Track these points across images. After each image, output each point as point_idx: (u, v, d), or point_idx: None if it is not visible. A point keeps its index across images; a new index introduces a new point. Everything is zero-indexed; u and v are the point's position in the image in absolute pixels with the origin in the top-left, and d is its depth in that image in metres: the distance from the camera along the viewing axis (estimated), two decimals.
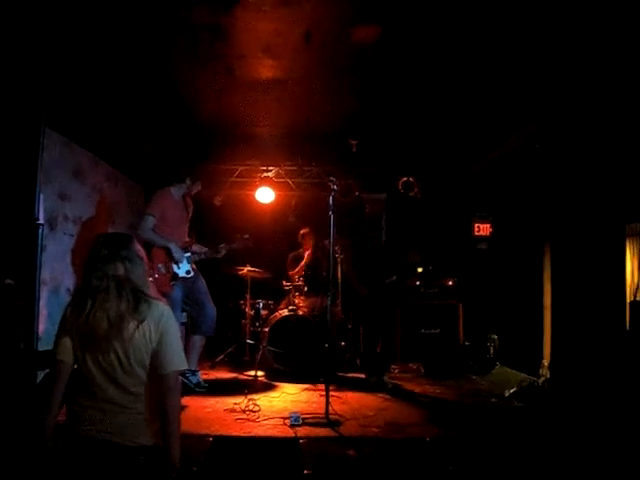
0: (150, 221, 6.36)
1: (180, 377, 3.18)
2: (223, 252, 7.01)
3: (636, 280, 6.76)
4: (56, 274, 6.54)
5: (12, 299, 4.93)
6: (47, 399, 2.87)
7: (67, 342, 2.87)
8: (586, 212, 6.61)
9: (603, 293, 6.42)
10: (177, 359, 2.92)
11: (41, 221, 5.75)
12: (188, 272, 6.57)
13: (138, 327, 2.82)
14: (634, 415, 5.25)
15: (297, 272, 9.09)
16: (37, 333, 5.60)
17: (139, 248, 3.10)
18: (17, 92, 5.51)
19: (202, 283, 6.83)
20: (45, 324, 5.84)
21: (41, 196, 5.76)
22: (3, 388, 4.39)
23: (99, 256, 2.93)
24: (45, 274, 6.07)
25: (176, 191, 6.72)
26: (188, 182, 6.78)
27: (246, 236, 7.21)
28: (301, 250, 9.59)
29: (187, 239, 6.83)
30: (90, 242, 3.06)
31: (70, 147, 6.90)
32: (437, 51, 5.65)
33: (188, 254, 6.61)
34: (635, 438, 4.82)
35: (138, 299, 2.88)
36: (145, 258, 3.14)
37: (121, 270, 2.91)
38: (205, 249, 6.90)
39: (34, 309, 5.54)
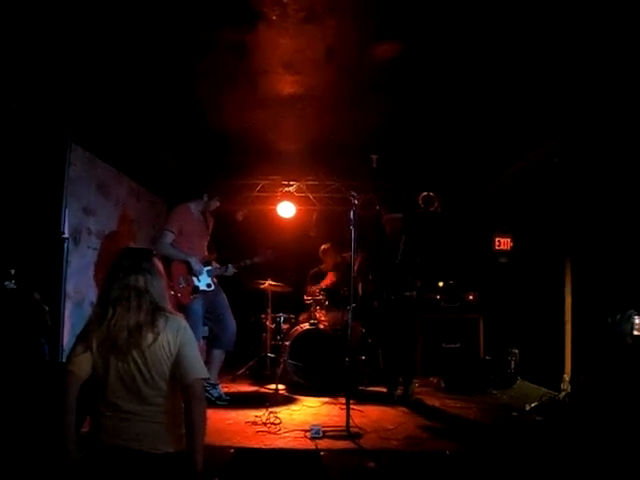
0: (168, 236, 6.45)
1: None
2: (232, 271, 6.97)
3: None
4: (80, 287, 6.61)
5: (39, 312, 5.02)
6: (61, 411, 2.92)
7: (82, 354, 2.93)
8: (607, 226, 6.57)
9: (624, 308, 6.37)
10: (198, 367, 2.99)
11: (66, 235, 5.85)
12: (209, 285, 6.64)
13: (156, 339, 2.90)
14: None
15: (316, 290, 9.04)
16: (62, 345, 5.69)
17: (159, 263, 3.18)
18: (44, 109, 5.64)
19: (223, 298, 6.88)
20: (69, 336, 5.91)
21: (66, 210, 5.87)
22: (30, 400, 4.45)
23: (121, 267, 3.03)
24: (69, 287, 6.17)
25: (195, 207, 6.79)
26: (205, 198, 6.81)
27: (269, 250, 7.27)
28: (322, 266, 9.59)
29: (207, 254, 6.89)
30: (113, 256, 3.14)
31: (94, 162, 7.00)
32: (458, 66, 5.67)
33: (209, 268, 6.67)
34: None
35: (156, 312, 2.96)
36: (164, 274, 3.21)
37: (141, 282, 2.99)
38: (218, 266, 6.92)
39: (59, 322, 5.63)
